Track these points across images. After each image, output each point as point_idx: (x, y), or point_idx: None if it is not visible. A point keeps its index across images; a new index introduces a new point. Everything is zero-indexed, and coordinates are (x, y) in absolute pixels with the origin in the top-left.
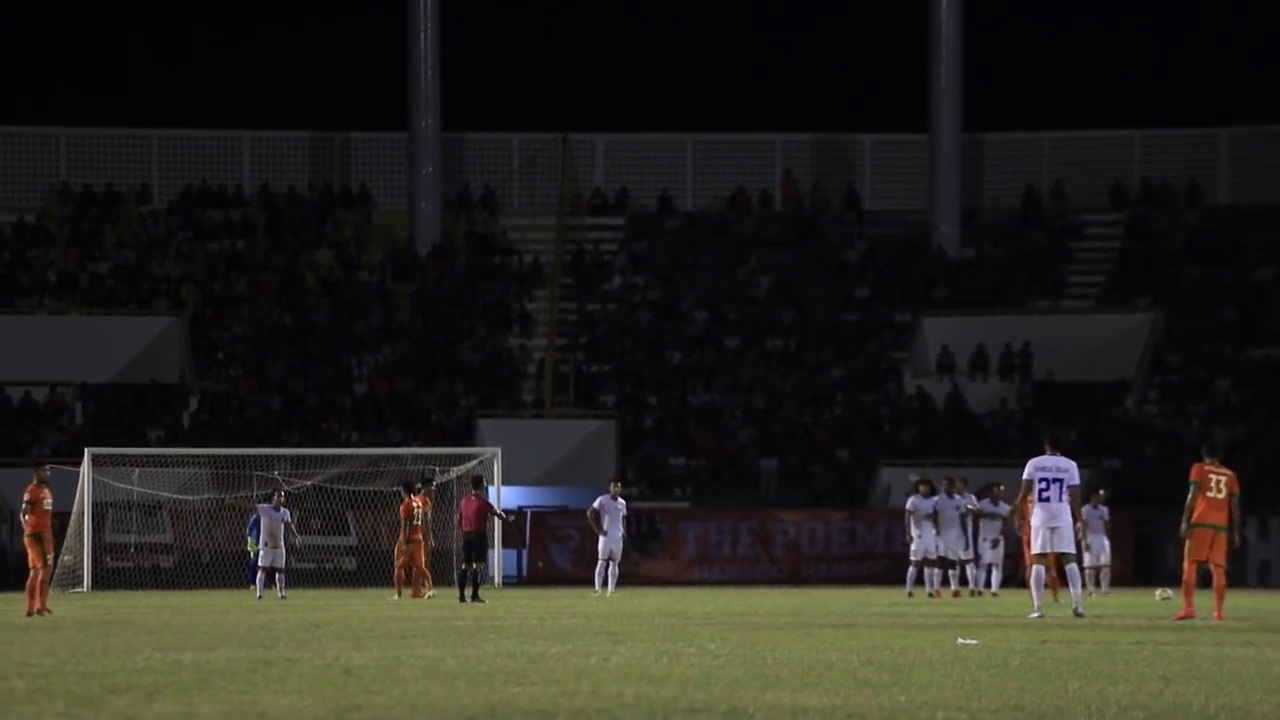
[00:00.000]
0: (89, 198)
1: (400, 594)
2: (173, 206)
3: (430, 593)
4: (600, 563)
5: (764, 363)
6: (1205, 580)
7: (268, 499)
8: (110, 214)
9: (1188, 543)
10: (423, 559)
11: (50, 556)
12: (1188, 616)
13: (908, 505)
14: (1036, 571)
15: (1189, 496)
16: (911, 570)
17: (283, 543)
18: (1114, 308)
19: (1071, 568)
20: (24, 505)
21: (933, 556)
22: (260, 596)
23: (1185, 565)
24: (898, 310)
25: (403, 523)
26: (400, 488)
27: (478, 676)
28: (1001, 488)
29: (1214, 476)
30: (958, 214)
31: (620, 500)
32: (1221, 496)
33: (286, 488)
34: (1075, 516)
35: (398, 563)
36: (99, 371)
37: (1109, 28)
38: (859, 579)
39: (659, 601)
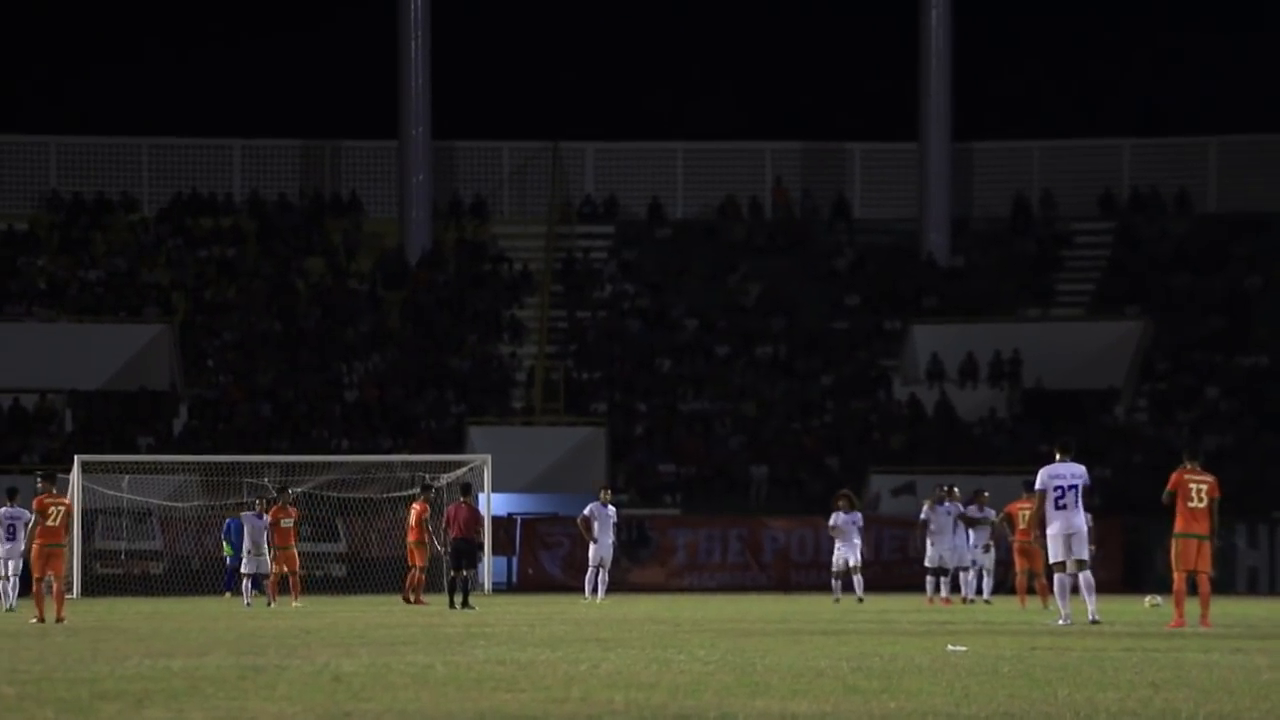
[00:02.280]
0: (79, 205)
1: (275, 601)
2: (163, 214)
3: (296, 604)
4: (590, 569)
5: (754, 370)
6: (1194, 588)
7: (251, 507)
8: (100, 221)
9: (1173, 554)
10: (297, 565)
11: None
12: (1179, 626)
13: (830, 521)
14: (1059, 580)
15: (1164, 503)
16: (835, 582)
17: (265, 551)
18: (1103, 316)
19: (1087, 575)
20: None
21: (839, 568)
22: (248, 604)
23: (1175, 576)
24: (887, 318)
25: (278, 529)
26: (419, 489)
27: (467, 683)
28: (987, 494)
29: (1194, 485)
30: (947, 222)
31: (610, 507)
32: (1203, 506)
33: (276, 495)
34: (1091, 509)
35: (283, 569)
36: (89, 379)
37: (1099, 37)
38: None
39: (649, 608)
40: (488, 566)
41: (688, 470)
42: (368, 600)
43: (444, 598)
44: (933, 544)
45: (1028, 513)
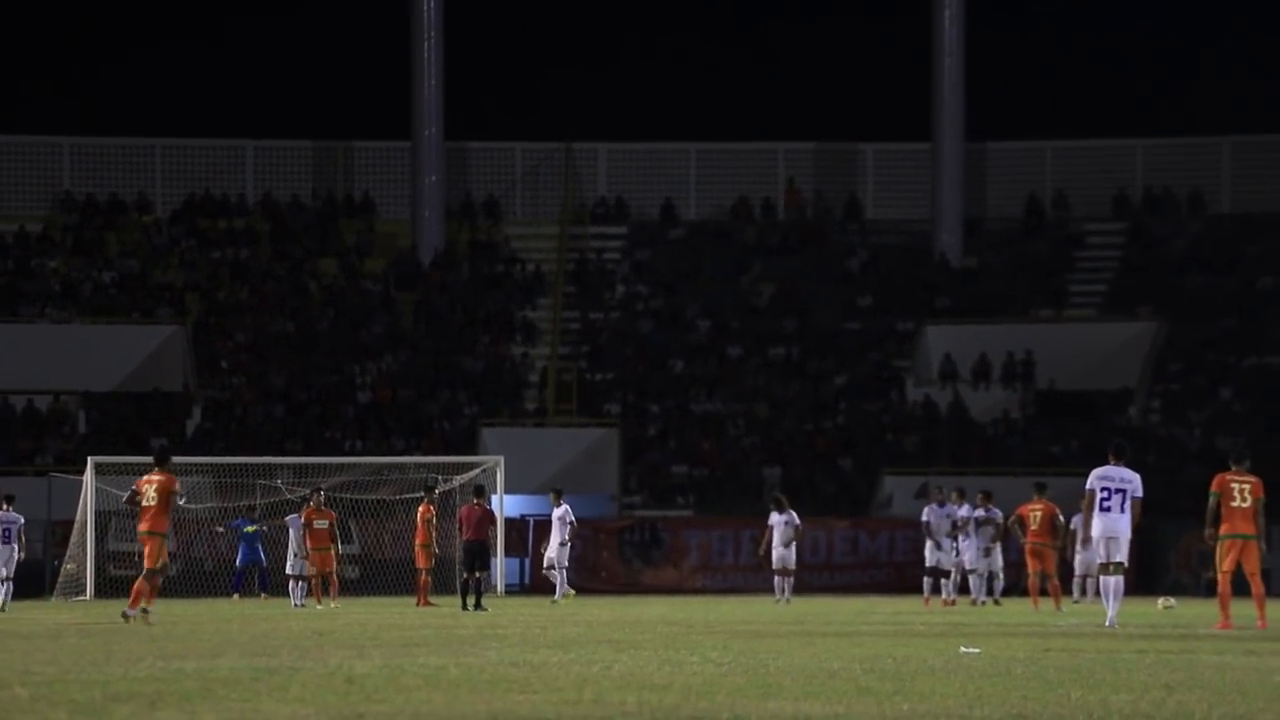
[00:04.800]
0: (92, 206)
1: (321, 603)
2: (176, 215)
3: (334, 604)
4: (546, 570)
5: (766, 371)
6: (1243, 589)
7: (294, 509)
8: (113, 223)
9: (1217, 555)
10: (334, 566)
11: None
12: (1225, 629)
13: (770, 521)
14: (1104, 582)
15: (1210, 504)
16: (777, 579)
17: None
18: (1116, 316)
19: (1118, 580)
20: None
21: (782, 566)
22: (297, 605)
23: (1219, 577)
24: (900, 319)
25: (311, 531)
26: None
27: (480, 685)
28: (990, 495)
29: (1236, 485)
30: (960, 223)
31: (562, 507)
32: (1247, 505)
33: (290, 495)
34: (1136, 528)
35: (315, 571)
36: (102, 380)
37: (1111, 37)
38: (861, 588)
39: (661, 610)
40: (500, 568)
41: (700, 471)
42: (381, 601)
43: (453, 599)
44: (931, 546)
45: (1039, 514)
